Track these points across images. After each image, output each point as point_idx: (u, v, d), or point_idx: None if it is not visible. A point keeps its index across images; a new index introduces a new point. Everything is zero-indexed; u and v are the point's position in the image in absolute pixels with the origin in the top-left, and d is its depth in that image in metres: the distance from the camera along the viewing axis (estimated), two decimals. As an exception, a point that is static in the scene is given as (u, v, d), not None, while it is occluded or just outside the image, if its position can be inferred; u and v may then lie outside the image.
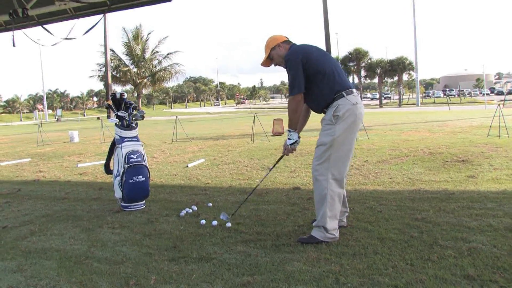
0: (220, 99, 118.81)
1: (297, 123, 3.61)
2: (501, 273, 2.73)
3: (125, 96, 5.15)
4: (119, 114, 4.96)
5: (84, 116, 68.77)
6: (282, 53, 3.67)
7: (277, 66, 3.83)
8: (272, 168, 4.50)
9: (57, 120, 51.98)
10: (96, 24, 9.30)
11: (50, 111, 75.82)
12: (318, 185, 3.47)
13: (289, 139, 3.67)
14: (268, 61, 3.80)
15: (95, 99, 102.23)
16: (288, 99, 3.60)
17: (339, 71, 3.61)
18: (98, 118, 46.86)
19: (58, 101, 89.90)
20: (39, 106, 69.98)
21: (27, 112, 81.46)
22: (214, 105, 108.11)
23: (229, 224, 4.06)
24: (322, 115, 3.66)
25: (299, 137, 3.70)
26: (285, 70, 3.71)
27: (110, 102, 5.12)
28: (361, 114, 3.56)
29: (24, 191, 6.49)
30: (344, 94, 3.47)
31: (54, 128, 27.68)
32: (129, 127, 4.97)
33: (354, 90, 3.58)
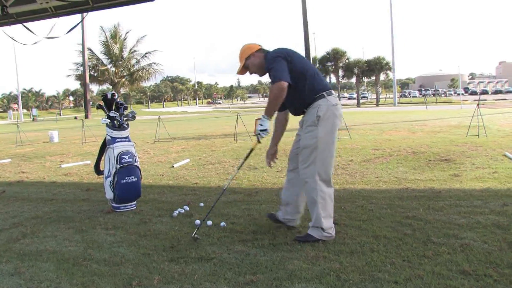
0: (197, 99, 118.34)
1: (275, 111, 3.53)
2: (494, 268, 2.84)
3: (117, 97, 5.13)
4: (111, 114, 4.94)
5: (60, 115, 67.62)
6: (257, 61, 3.69)
7: (252, 74, 3.85)
8: (242, 163, 4.17)
9: (33, 119, 50.97)
10: (79, 22, 9.21)
11: (25, 111, 74.33)
12: (308, 187, 3.54)
13: (261, 125, 3.50)
14: (244, 69, 3.80)
15: (71, 98, 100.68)
16: (272, 86, 3.46)
17: (319, 73, 3.71)
18: (76, 118, 46.26)
19: (33, 100, 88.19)
20: (14, 106, 68.67)
21: (0, 112, 79.80)
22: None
23: (223, 224, 4.10)
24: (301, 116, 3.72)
25: (269, 128, 3.54)
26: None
27: (102, 103, 5.09)
28: (341, 115, 3.66)
29: (9, 193, 6.39)
30: (325, 95, 3.54)
31: (31, 128, 27.15)
32: (120, 127, 4.95)
33: (333, 92, 3.67)
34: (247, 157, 3.92)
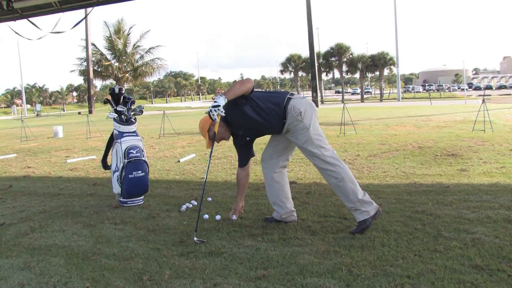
0: (201, 94, 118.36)
1: (235, 96, 3.47)
2: (507, 263, 2.82)
3: (124, 91, 5.12)
4: (118, 109, 4.93)
5: (64, 111, 67.71)
6: (217, 129, 3.66)
7: (220, 141, 3.88)
8: (211, 150, 3.93)
9: (37, 115, 51.08)
10: (85, 17, 9.19)
11: (29, 106, 74.56)
12: (329, 178, 3.63)
13: (215, 101, 3.37)
14: (210, 142, 3.77)
15: (74, 94, 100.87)
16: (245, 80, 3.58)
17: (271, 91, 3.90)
18: (79, 113, 46.32)
19: (37, 95, 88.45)
20: (18, 101, 68.91)
21: (4, 107, 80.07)
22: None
23: (234, 217, 4.09)
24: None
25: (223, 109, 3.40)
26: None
27: (109, 97, 5.08)
28: (313, 103, 3.78)
29: (16, 187, 6.40)
30: (290, 97, 3.66)
31: (36, 123, 27.20)
32: (128, 122, 4.94)
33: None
34: (213, 140, 3.81)
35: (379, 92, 54.49)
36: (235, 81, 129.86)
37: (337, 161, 3.62)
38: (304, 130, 3.58)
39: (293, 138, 3.68)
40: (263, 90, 4.23)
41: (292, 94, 3.71)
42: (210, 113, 3.37)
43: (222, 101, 3.37)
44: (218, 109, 3.34)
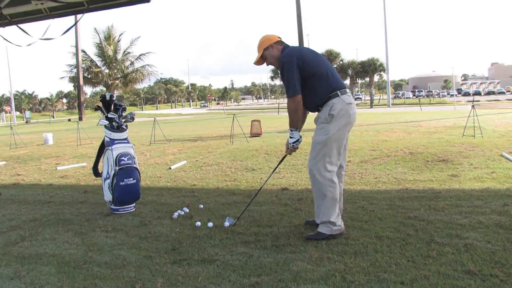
0: (191, 100, 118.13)
1: (298, 123, 3.69)
2: (499, 268, 2.84)
3: (115, 98, 5.09)
4: (109, 115, 4.90)
5: (54, 118, 67.20)
6: (275, 54, 3.75)
7: (269, 65, 3.92)
8: (275, 169, 4.51)
9: (26, 122, 50.64)
10: (75, 23, 9.14)
11: (18, 113, 73.93)
12: (317, 183, 3.57)
13: (291, 137, 3.72)
14: (261, 60, 3.86)
15: (64, 100, 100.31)
16: (287, 100, 3.63)
17: (333, 71, 3.71)
18: (69, 120, 46.01)
19: (26, 102, 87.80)
20: (6, 108, 68.34)
21: (-7, 114, 79.31)
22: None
23: (227, 224, 4.09)
24: (315, 115, 3.75)
25: (300, 136, 3.75)
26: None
27: (100, 104, 5.05)
28: (355, 114, 3.67)
29: (5, 195, 6.32)
30: (339, 94, 3.57)
31: (25, 131, 26.96)
32: (119, 129, 4.90)
33: (348, 90, 3.67)
34: (280, 162, 4.31)
35: (369, 98, 54.72)
36: (225, 88, 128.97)
37: (332, 178, 3.56)
38: (324, 133, 3.54)
39: (315, 131, 3.67)
40: (327, 66, 3.90)
41: (345, 92, 3.61)
42: (293, 148, 3.77)
43: (296, 134, 3.72)
44: (298, 142, 3.75)
